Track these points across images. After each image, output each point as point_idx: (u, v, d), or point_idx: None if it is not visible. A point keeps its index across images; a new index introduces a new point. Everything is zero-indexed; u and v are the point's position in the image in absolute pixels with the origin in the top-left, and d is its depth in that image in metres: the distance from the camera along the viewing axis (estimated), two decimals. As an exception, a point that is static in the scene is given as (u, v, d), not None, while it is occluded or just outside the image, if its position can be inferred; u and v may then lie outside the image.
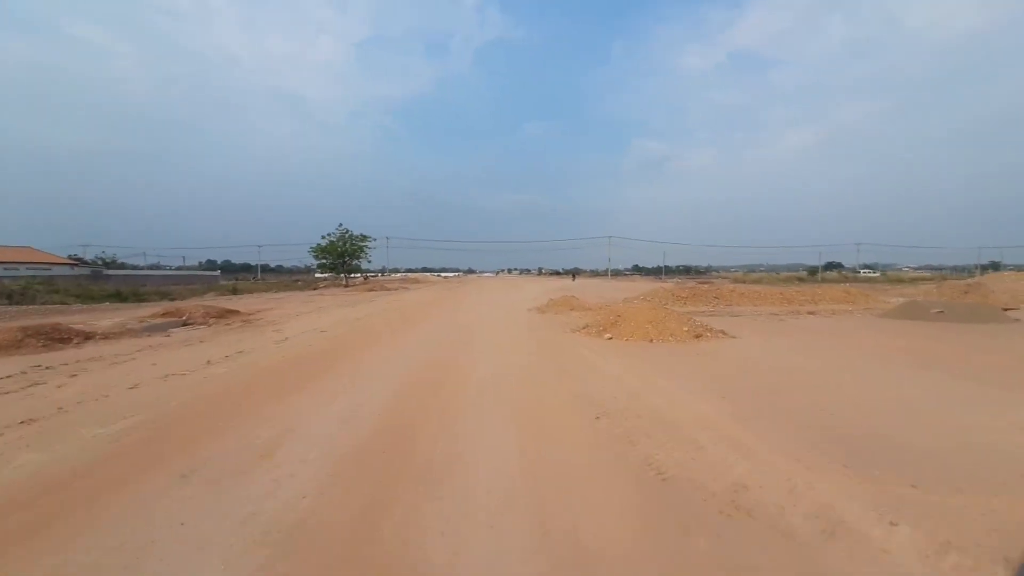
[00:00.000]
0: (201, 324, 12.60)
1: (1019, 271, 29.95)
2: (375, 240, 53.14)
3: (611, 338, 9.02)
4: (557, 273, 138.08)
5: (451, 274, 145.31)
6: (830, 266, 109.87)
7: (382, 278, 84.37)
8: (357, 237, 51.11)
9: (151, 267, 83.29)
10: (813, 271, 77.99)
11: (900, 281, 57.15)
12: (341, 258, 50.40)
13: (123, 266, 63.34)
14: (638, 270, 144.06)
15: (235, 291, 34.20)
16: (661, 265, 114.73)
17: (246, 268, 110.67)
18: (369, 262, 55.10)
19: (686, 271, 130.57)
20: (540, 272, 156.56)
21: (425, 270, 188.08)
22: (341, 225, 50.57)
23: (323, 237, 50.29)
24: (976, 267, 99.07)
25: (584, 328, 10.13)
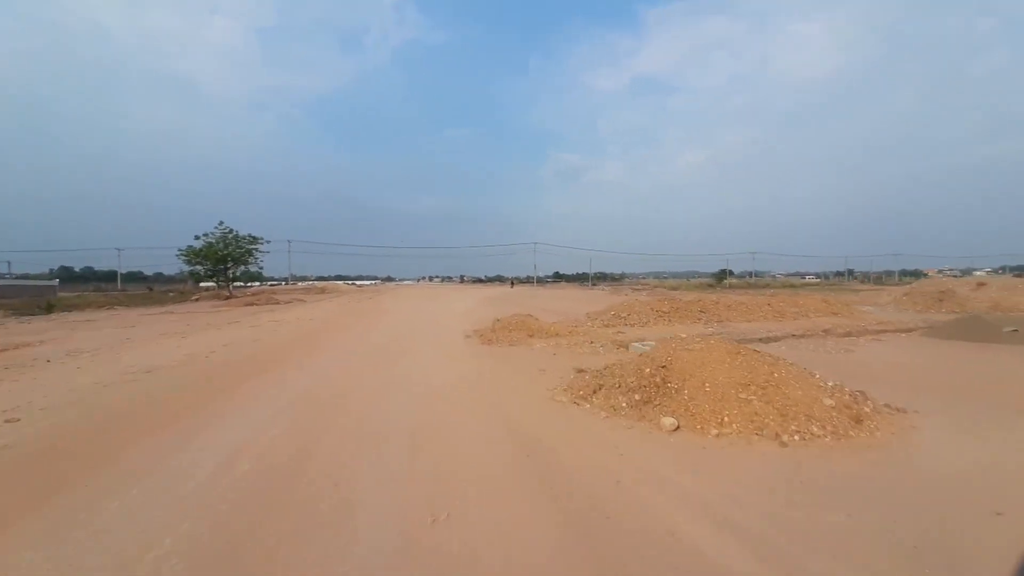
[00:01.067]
0: None
1: (943, 274, 30.60)
2: (268, 243, 44.21)
3: (678, 428, 4.17)
4: (480, 281, 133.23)
5: (368, 282, 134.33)
6: (724, 273, 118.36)
7: (286, 287, 73.13)
8: (244, 239, 41.84)
9: (-38, 275, 63.82)
10: (721, 277, 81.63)
11: (793, 287, 61.14)
12: (222, 263, 40.81)
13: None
14: (560, 277, 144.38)
15: (50, 309, 24.43)
16: (588, 272, 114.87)
17: (110, 277, 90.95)
18: (260, 268, 45.83)
19: (603, 278, 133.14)
20: (462, 280, 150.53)
21: (339, 278, 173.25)
22: (222, 224, 41.04)
23: (197, 238, 40.43)
24: (845, 273, 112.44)
25: (595, 392, 5.18)
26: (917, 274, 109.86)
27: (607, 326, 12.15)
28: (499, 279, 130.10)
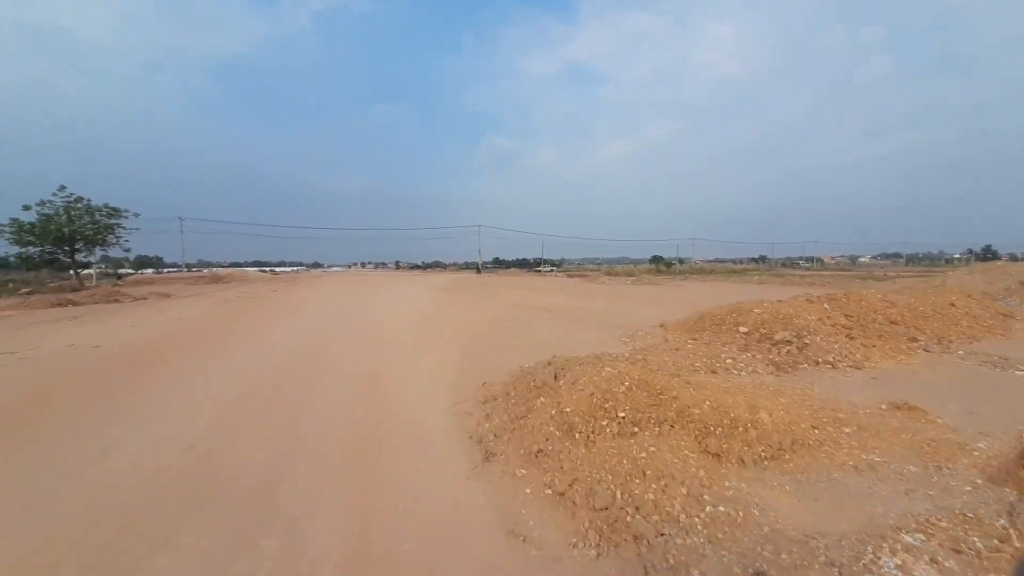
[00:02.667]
0: None
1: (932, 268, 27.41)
2: (135, 216, 32.44)
3: None
4: (417, 267, 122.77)
5: (288, 269, 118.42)
6: (656, 259, 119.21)
7: (175, 273, 58.88)
8: (99, 210, 30.04)
9: None
10: (669, 264, 79.49)
11: (733, 272, 60.14)
12: (66, 243, 28.88)
13: None
14: (499, 263, 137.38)
15: None
16: (530, 258, 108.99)
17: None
18: (126, 250, 33.84)
19: (542, 263, 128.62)
20: (398, 266, 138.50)
21: (258, 264, 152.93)
22: (64, 189, 28.98)
23: (28, 208, 28.19)
24: (761, 259, 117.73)
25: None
26: (815, 259, 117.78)
27: (775, 364, 5.47)
28: (438, 265, 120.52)
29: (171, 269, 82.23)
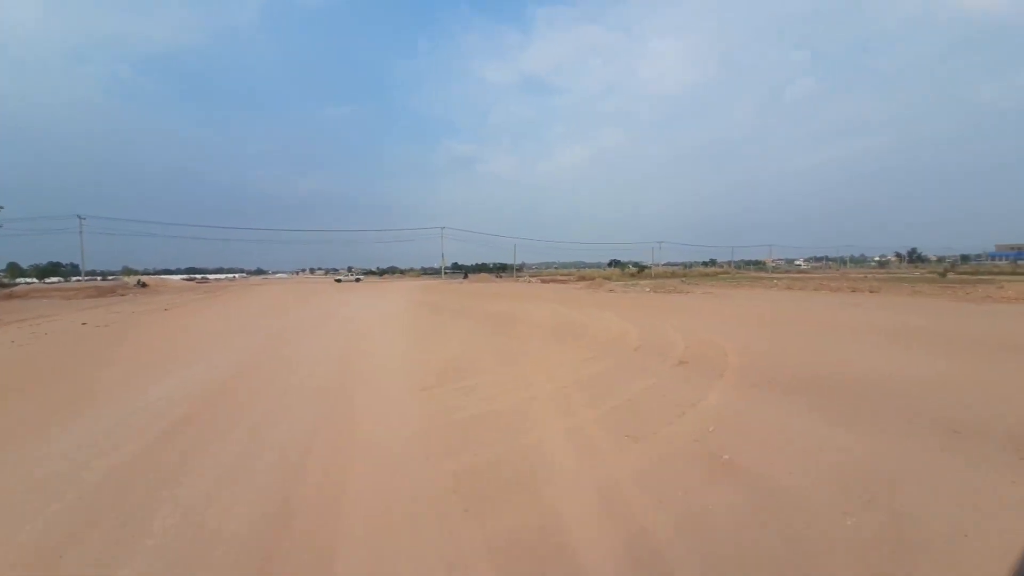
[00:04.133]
0: None
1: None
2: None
3: None
4: (372, 273, 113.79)
5: (225, 277, 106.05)
6: (615, 263, 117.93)
7: (75, 283, 48.33)
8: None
9: None
10: (642, 268, 76.15)
11: (706, 276, 58.27)
12: None
13: None
14: (459, 268, 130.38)
15: None
16: (513, 262, 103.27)
17: None
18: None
19: (502, 268, 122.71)
20: (350, 272, 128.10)
21: (192, 270, 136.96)
22: None
23: None
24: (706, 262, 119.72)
25: None
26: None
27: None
28: (395, 271, 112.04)
29: (81, 278, 69.07)
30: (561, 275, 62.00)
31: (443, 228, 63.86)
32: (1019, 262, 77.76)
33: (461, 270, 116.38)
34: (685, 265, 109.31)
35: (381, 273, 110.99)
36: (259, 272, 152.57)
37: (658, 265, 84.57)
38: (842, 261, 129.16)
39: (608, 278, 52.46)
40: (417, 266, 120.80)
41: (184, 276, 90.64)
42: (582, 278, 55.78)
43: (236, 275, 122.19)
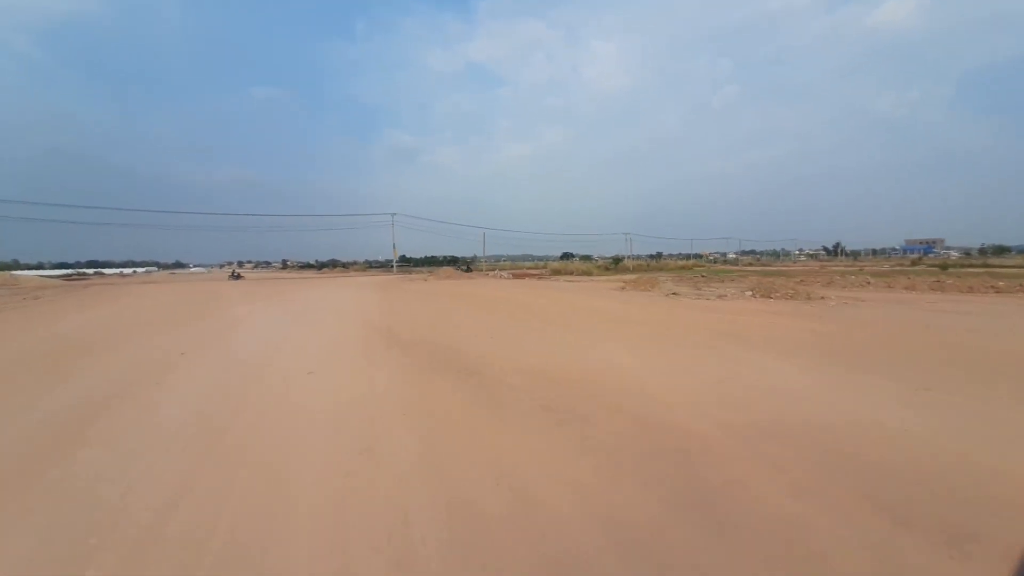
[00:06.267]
0: None
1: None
2: None
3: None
4: (310, 266, 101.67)
5: (130, 271, 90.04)
6: (567, 256, 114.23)
7: None
8: None
9: None
10: (617, 260, 71.22)
11: (678, 268, 55.44)
12: None
13: None
14: (406, 261, 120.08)
15: None
16: (452, 255, 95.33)
17: None
18: None
19: (453, 261, 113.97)
20: (285, 266, 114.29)
21: (93, 264, 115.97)
22: None
23: None
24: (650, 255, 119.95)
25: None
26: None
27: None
28: (336, 264, 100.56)
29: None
30: (529, 269, 55.14)
31: (394, 215, 54.93)
32: (929, 255, 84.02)
33: (409, 263, 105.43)
34: (653, 256, 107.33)
35: (320, 267, 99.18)
36: (178, 265, 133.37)
37: (630, 258, 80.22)
38: (775, 255, 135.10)
39: (588, 272, 46.93)
40: (361, 259, 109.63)
41: (69, 271, 74.72)
42: (556, 272, 48.58)
43: (149, 269, 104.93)
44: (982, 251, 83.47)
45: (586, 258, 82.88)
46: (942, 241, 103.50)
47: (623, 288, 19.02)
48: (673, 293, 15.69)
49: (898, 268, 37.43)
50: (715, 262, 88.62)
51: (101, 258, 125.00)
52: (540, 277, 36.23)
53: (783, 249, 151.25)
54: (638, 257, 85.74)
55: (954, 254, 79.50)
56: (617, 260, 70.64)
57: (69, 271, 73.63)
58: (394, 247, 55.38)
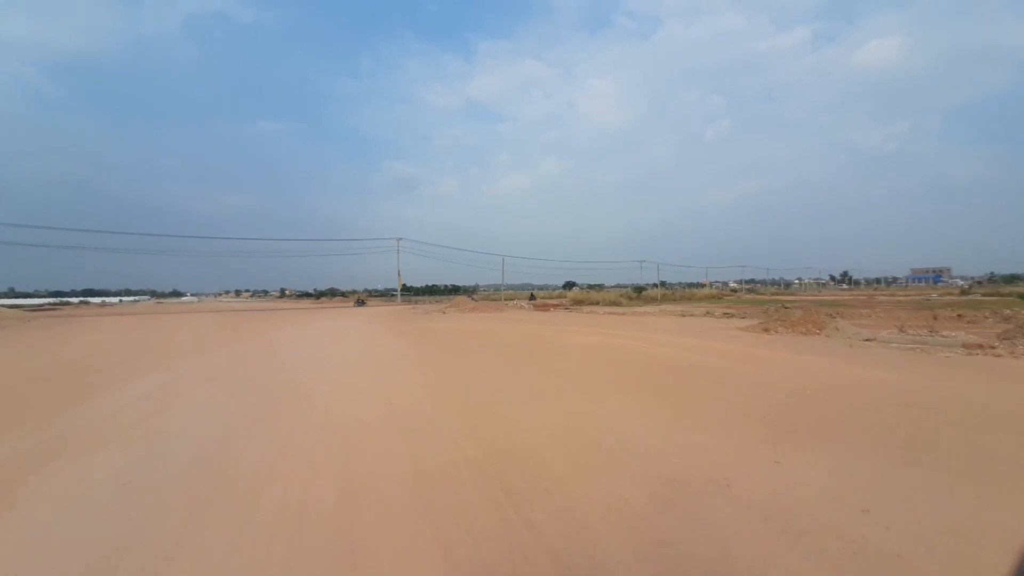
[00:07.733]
0: None
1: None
2: None
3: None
4: (308, 295, 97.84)
5: (116, 300, 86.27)
6: (570, 285, 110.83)
7: None
8: None
9: None
10: (639, 290, 67.15)
11: (707, 298, 51.94)
12: None
13: None
14: (408, 290, 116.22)
15: None
16: (448, 285, 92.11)
17: None
18: None
19: (455, 290, 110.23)
20: (283, 295, 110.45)
21: (89, 292, 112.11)
22: None
23: None
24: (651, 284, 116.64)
25: None
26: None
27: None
28: (336, 293, 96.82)
29: None
30: (549, 299, 49.66)
31: (399, 240, 51.93)
32: (938, 284, 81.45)
33: (410, 291, 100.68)
34: (678, 286, 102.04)
35: (318, 296, 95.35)
36: (175, 294, 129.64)
37: (654, 286, 74.64)
38: (776, 284, 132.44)
39: (617, 303, 40.11)
40: (361, 287, 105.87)
41: (52, 300, 70.95)
42: (577, 301, 43.18)
43: (138, 298, 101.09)
44: (991, 279, 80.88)
45: (596, 287, 79.33)
46: (949, 270, 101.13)
47: (749, 329, 13.66)
48: (867, 340, 10.82)
49: (949, 297, 34.01)
50: (735, 291, 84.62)
51: (98, 286, 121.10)
52: (567, 308, 32.49)
53: (782, 278, 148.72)
54: (666, 285, 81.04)
55: (961, 283, 76.77)
56: (639, 289, 67.07)
57: (52, 300, 69.66)
58: (399, 273, 52.14)
